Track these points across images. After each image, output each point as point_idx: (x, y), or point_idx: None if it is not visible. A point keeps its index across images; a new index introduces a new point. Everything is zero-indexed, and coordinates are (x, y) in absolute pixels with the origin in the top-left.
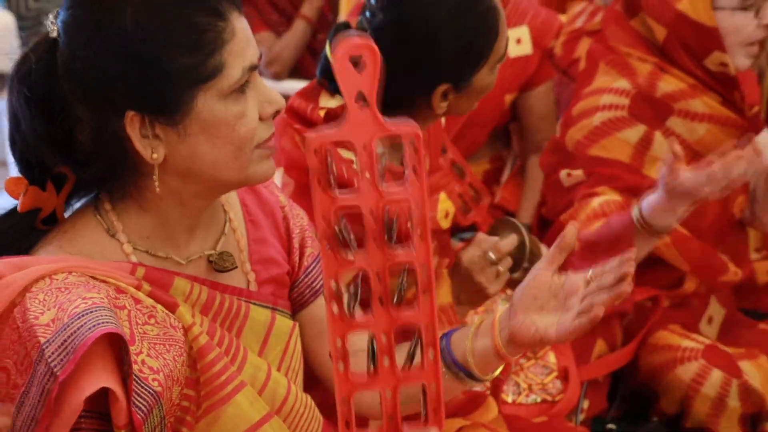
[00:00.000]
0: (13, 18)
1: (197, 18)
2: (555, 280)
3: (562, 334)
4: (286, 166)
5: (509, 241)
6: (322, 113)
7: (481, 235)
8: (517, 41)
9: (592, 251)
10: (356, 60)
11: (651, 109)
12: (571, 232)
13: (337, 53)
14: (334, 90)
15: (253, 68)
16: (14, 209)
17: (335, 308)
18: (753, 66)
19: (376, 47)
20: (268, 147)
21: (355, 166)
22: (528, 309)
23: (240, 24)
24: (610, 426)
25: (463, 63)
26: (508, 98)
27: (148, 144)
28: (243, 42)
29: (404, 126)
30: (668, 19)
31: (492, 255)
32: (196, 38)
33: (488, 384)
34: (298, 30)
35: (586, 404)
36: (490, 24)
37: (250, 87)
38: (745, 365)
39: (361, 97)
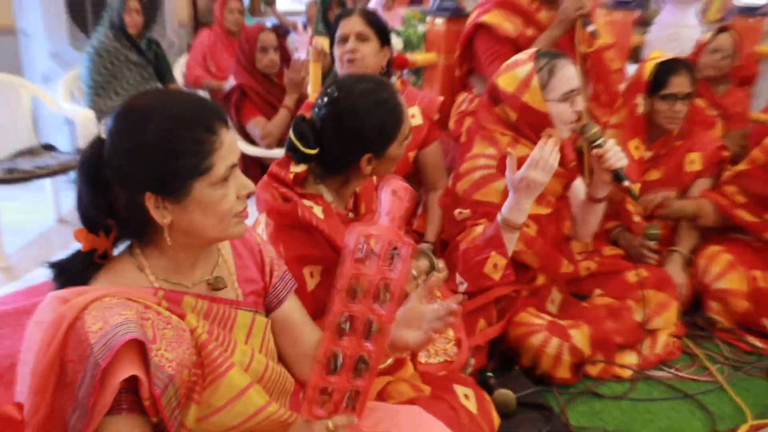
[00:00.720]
0: (94, 114)
1: (197, 134)
2: (421, 307)
3: (416, 343)
4: (268, 212)
5: (425, 264)
6: (291, 176)
7: None
8: (412, 116)
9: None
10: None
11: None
12: (435, 280)
13: (392, 189)
14: (298, 160)
15: (233, 166)
16: (78, 251)
17: (332, 333)
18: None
19: (410, 188)
20: (241, 216)
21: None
22: (403, 326)
23: (227, 136)
24: (489, 374)
25: (380, 141)
26: (411, 155)
27: (159, 213)
28: (228, 149)
29: (407, 240)
30: (517, 107)
31: (414, 272)
32: (195, 148)
33: (408, 353)
34: (282, 115)
35: (472, 362)
36: (396, 115)
37: (231, 177)
38: (573, 332)
39: (392, 216)
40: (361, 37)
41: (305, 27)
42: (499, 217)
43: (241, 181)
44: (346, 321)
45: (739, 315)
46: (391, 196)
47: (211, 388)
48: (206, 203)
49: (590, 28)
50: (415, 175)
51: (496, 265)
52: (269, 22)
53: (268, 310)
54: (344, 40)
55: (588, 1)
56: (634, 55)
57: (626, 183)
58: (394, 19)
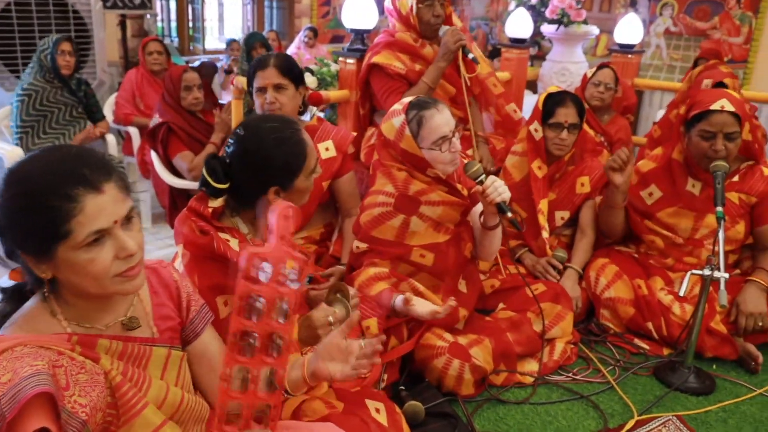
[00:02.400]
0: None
1: (52, 202)
2: (343, 343)
3: (344, 377)
4: (185, 244)
5: (341, 313)
6: (210, 210)
7: (326, 308)
8: (326, 149)
9: (369, 303)
10: (287, 215)
11: (409, 203)
12: (356, 317)
13: (280, 210)
14: (211, 195)
15: (100, 231)
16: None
17: (233, 351)
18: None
19: (296, 207)
20: (125, 276)
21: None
22: (325, 359)
23: (93, 201)
24: (401, 388)
25: (285, 175)
26: (325, 184)
27: (39, 269)
28: (91, 215)
29: (301, 257)
30: (399, 152)
31: (331, 319)
32: (48, 215)
33: None
34: (208, 150)
35: (385, 377)
36: (299, 151)
37: (108, 238)
38: (474, 350)
39: (282, 237)
40: (278, 88)
41: (229, 66)
42: (394, 299)
43: (120, 243)
44: (246, 338)
45: (626, 320)
46: (278, 218)
47: (126, 428)
48: (74, 265)
49: (470, 56)
50: (331, 203)
51: (369, 327)
52: (198, 61)
53: (185, 343)
54: (262, 91)
55: (464, 34)
56: (532, 86)
57: (509, 214)
58: (317, 53)
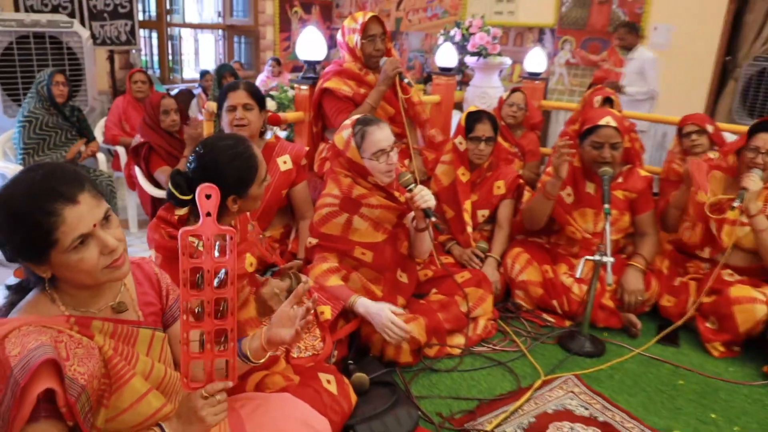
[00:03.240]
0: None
1: (37, 219)
2: (291, 311)
3: (291, 339)
4: (156, 248)
5: (286, 283)
6: (176, 217)
7: (272, 280)
8: (284, 162)
9: (325, 292)
10: (209, 194)
11: (351, 204)
12: (303, 288)
13: (200, 191)
14: (176, 205)
15: (82, 236)
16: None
17: (185, 317)
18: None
19: (217, 189)
20: (112, 267)
21: (200, 247)
22: (278, 326)
23: (71, 212)
24: (349, 362)
25: (240, 184)
26: (284, 192)
27: (40, 269)
28: (73, 223)
29: (227, 228)
30: (346, 160)
31: (276, 290)
32: (37, 230)
33: (282, 350)
34: (183, 164)
35: (335, 353)
36: (251, 164)
37: (91, 239)
38: (410, 325)
39: (208, 214)
40: (247, 107)
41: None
42: (351, 300)
43: (102, 241)
44: (197, 306)
45: (536, 299)
46: (200, 198)
47: (117, 394)
48: (67, 265)
49: (405, 80)
50: (289, 208)
51: (323, 313)
52: (177, 89)
53: (166, 326)
54: (233, 109)
55: (400, 62)
56: (459, 107)
57: (433, 219)
58: (283, 80)
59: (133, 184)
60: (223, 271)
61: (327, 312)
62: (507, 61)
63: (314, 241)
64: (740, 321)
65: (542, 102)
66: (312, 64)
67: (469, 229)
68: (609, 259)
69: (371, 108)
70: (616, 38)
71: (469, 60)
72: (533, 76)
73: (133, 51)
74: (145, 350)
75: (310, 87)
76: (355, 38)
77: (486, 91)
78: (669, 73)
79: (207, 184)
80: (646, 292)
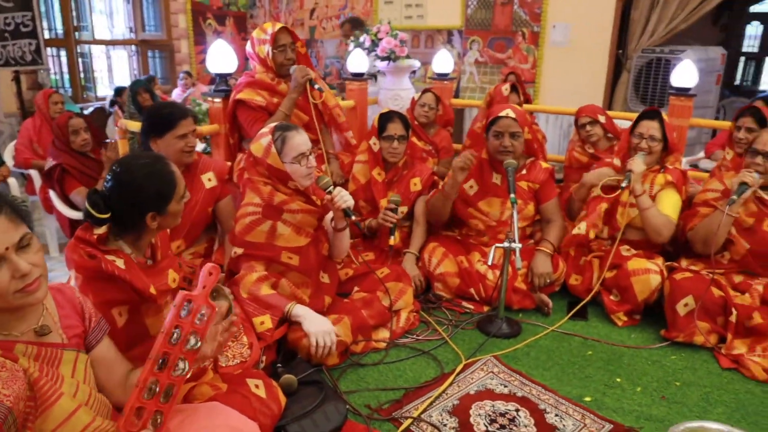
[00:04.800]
0: None
1: None
2: (215, 329)
3: (213, 353)
4: (76, 268)
5: (224, 305)
6: (95, 237)
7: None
8: (209, 180)
9: (260, 302)
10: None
11: (273, 211)
12: (225, 308)
13: (205, 267)
14: (94, 224)
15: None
16: None
17: (150, 366)
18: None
19: (218, 267)
20: (25, 291)
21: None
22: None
23: None
24: (278, 365)
25: (159, 201)
26: (210, 209)
27: None
28: None
29: (212, 303)
30: (266, 167)
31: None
32: None
33: (209, 361)
34: (100, 186)
35: (264, 358)
36: (169, 180)
37: (3, 263)
38: (336, 327)
39: (203, 286)
40: (194, 133)
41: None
42: (288, 307)
43: (14, 265)
44: (163, 358)
45: (455, 289)
46: (206, 273)
47: (43, 417)
48: None
49: (317, 87)
50: (212, 222)
51: (263, 323)
52: (92, 107)
53: (88, 350)
54: (185, 136)
55: (310, 69)
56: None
57: (353, 218)
58: (197, 93)
59: (49, 207)
60: (195, 336)
61: (267, 321)
62: (416, 63)
63: (240, 251)
64: (638, 291)
65: (453, 100)
66: (223, 77)
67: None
68: (517, 246)
69: (285, 116)
70: None
71: (380, 64)
72: (442, 76)
73: (41, 71)
74: (69, 372)
75: (223, 99)
76: (266, 49)
77: (398, 93)
78: (570, 67)
79: (214, 265)
80: (555, 273)
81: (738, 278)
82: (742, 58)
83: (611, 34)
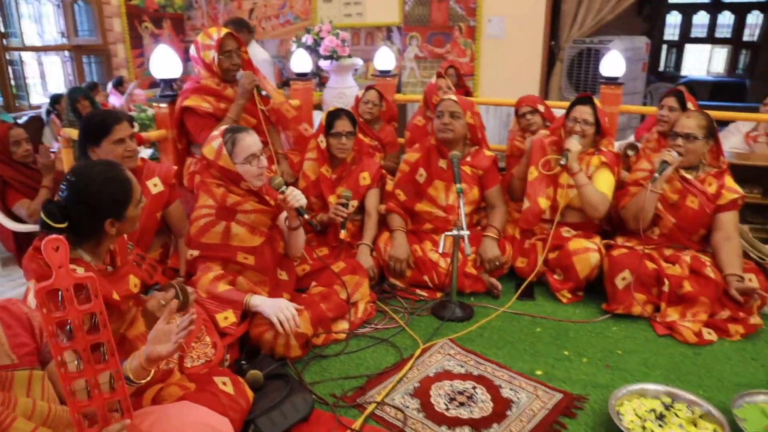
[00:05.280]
0: None
1: None
2: (167, 326)
3: (169, 352)
4: (36, 278)
5: (171, 293)
6: None
7: (156, 293)
8: (155, 185)
9: (219, 299)
10: (57, 247)
11: (227, 212)
12: (174, 305)
13: (47, 245)
14: (51, 233)
15: None
16: None
17: (62, 370)
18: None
19: (65, 240)
20: None
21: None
22: (153, 343)
23: None
24: (243, 362)
25: (116, 207)
26: (159, 215)
27: None
28: None
29: (85, 276)
30: (218, 169)
31: (162, 302)
32: None
33: (174, 362)
34: (42, 194)
35: (228, 356)
36: (125, 186)
37: None
38: (299, 320)
39: (60, 266)
40: (132, 137)
41: (48, 115)
42: (246, 299)
43: None
44: (72, 357)
45: (409, 278)
46: (47, 252)
47: None
48: None
49: (264, 93)
50: (165, 227)
51: (227, 318)
52: (25, 116)
53: (43, 364)
54: (122, 141)
55: (256, 76)
56: (319, 108)
57: (306, 216)
58: (138, 98)
59: None
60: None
61: (231, 316)
62: (359, 61)
63: (195, 253)
64: (579, 269)
65: (396, 96)
66: (168, 82)
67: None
68: (465, 233)
69: (233, 122)
70: None
71: (323, 63)
72: (384, 73)
73: None
74: (24, 392)
75: (169, 105)
76: (212, 54)
77: (342, 91)
78: (506, 59)
79: (53, 236)
80: (503, 256)
81: (668, 251)
82: (665, 46)
83: (544, 26)
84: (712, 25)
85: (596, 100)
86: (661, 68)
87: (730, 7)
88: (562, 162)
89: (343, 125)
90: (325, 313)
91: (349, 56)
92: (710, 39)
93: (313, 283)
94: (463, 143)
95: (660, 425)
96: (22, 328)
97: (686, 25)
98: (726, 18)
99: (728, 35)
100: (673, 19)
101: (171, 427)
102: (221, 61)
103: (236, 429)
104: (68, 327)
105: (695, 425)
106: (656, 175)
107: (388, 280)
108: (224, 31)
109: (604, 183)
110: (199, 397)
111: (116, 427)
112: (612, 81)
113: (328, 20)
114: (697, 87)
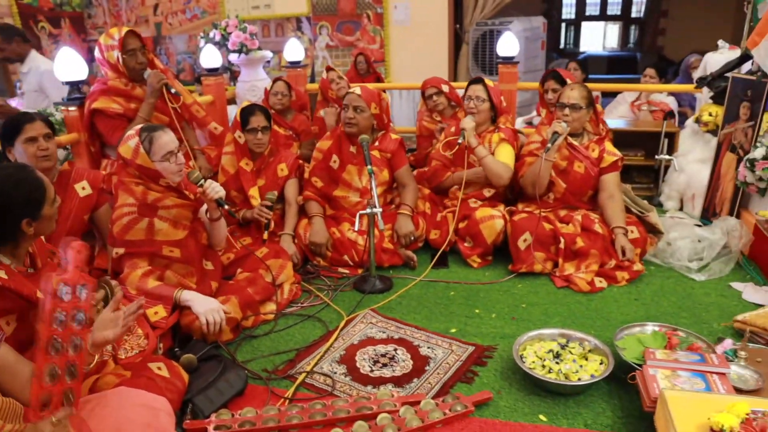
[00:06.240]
0: None
1: None
2: (111, 315)
3: (116, 336)
4: None
5: (101, 294)
6: None
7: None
8: (83, 188)
9: (149, 295)
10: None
11: (149, 209)
12: (120, 295)
13: (67, 246)
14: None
15: None
16: None
17: (45, 353)
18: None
19: (85, 243)
20: None
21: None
22: (99, 330)
23: None
24: (176, 349)
25: (31, 208)
26: (86, 217)
27: None
28: None
29: (89, 278)
30: (136, 168)
31: (93, 302)
32: None
33: (108, 354)
34: None
35: (161, 345)
36: (37, 186)
37: None
38: (226, 307)
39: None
40: (47, 137)
41: None
42: (176, 294)
43: None
44: (53, 342)
45: (331, 258)
46: (72, 252)
47: None
48: None
49: (173, 91)
50: (91, 230)
51: (157, 312)
52: None
53: None
54: (34, 140)
55: (165, 74)
56: (233, 102)
57: (225, 207)
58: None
59: None
60: (80, 312)
61: (161, 311)
62: (268, 54)
63: (121, 251)
64: (486, 235)
65: (307, 86)
66: (75, 85)
67: (255, 202)
68: (378, 210)
69: (144, 121)
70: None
71: (233, 57)
72: (294, 64)
73: None
74: None
75: (78, 108)
76: (115, 54)
77: (254, 84)
78: (414, 44)
79: (79, 241)
80: (416, 231)
81: (563, 212)
82: (563, 25)
83: (448, 10)
84: (604, 3)
85: (488, 80)
86: (562, 45)
87: None
88: (460, 141)
89: (257, 121)
90: (252, 296)
91: (259, 49)
92: (602, 16)
93: (239, 270)
94: (372, 129)
95: (557, 362)
96: None
97: (581, 4)
98: None
99: (618, 13)
100: None
101: (110, 411)
102: (126, 61)
103: (175, 409)
104: (59, 317)
105: (586, 359)
106: (549, 145)
107: (311, 261)
108: (125, 29)
109: (504, 154)
110: (136, 383)
111: (63, 412)
112: (508, 60)
113: (235, 13)
114: (594, 61)
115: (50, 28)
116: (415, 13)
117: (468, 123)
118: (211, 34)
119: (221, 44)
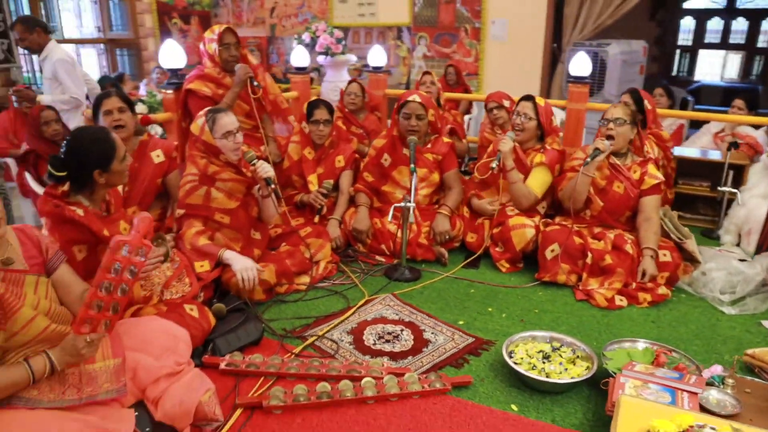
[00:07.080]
0: None
1: None
2: (163, 266)
3: (161, 282)
4: (45, 215)
5: (162, 250)
6: (60, 192)
7: (155, 249)
8: (157, 156)
9: (199, 251)
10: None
11: (208, 179)
12: (161, 251)
13: (138, 216)
14: (56, 181)
15: None
16: None
17: (96, 290)
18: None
19: (151, 216)
20: None
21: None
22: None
23: None
24: (214, 300)
25: (102, 161)
26: (159, 180)
27: None
28: None
29: (147, 243)
30: (201, 143)
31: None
32: None
33: (157, 292)
34: None
35: (202, 294)
36: (109, 144)
37: None
38: (263, 269)
39: (137, 230)
40: (121, 110)
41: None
42: (220, 253)
43: None
44: (107, 284)
45: (370, 246)
46: (139, 221)
47: (12, 321)
48: None
49: (255, 84)
50: (164, 193)
51: (203, 266)
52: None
53: (49, 273)
54: (110, 113)
55: (251, 68)
56: None
57: (272, 186)
58: None
59: (26, 191)
60: (133, 267)
61: (206, 265)
62: (352, 58)
63: (182, 211)
64: (516, 242)
65: (387, 90)
66: (174, 72)
67: (312, 187)
68: (411, 204)
69: (228, 107)
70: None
71: (320, 59)
72: (376, 69)
73: (14, 68)
74: (32, 291)
75: (174, 91)
76: (214, 46)
77: (338, 84)
78: (509, 60)
79: (147, 214)
80: (453, 230)
81: (597, 230)
82: (678, 51)
83: (545, 29)
84: (726, 31)
85: (539, 98)
86: (674, 73)
87: (744, 13)
88: (494, 165)
89: (321, 114)
90: (288, 267)
91: (343, 53)
92: (724, 45)
93: (283, 243)
94: (425, 134)
95: (544, 362)
96: (33, 245)
97: (700, 31)
98: (740, 24)
99: (742, 41)
100: (688, 24)
101: (139, 331)
102: (221, 52)
103: (197, 345)
104: (115, 267)
105: (573, 363)
106: (588, 159)
107: (353, 246)
108: (224, 26)
109: (536, 180)
110: (168, 316)
111: (97, 335)
112: (580, 80)
113: (342, 20)
114: (708, 91)
115: (181, 24)
116: (512, 30)
117: (505, 145)
118: (303, 37)
119: (311, 46)
